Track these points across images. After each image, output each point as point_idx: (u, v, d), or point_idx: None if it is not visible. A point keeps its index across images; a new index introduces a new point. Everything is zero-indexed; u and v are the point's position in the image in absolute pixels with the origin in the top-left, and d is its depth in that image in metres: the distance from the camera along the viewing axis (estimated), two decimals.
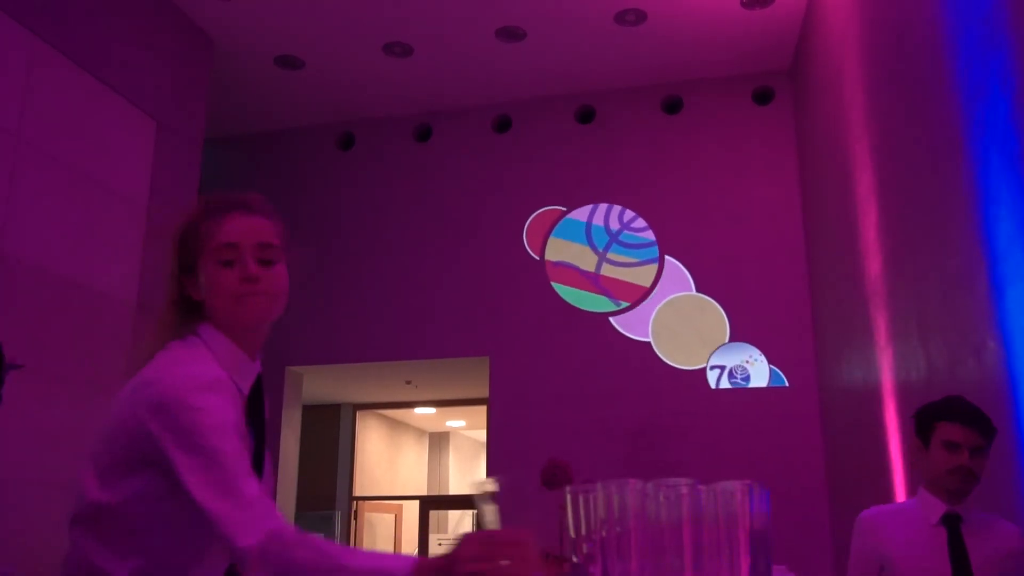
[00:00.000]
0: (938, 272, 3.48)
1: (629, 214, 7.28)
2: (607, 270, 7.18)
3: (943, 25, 3.32)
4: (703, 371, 6.80)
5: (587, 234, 7.28)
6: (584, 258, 7.24)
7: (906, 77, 3.87)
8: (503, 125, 7.76)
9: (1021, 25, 2.61)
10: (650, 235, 7.20)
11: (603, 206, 7.33)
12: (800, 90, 6.89)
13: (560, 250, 7.29)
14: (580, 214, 7.34)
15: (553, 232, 7.33)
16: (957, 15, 3.17)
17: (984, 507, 3.02)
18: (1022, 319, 2.64)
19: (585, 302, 7.17)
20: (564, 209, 7.38)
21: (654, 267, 7.14)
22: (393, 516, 11.09)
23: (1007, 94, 2.68)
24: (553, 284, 7.25)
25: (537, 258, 7.33)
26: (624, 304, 7.10)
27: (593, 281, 7.20)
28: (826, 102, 5.79)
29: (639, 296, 7.10)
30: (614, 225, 7.27)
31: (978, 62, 2.94)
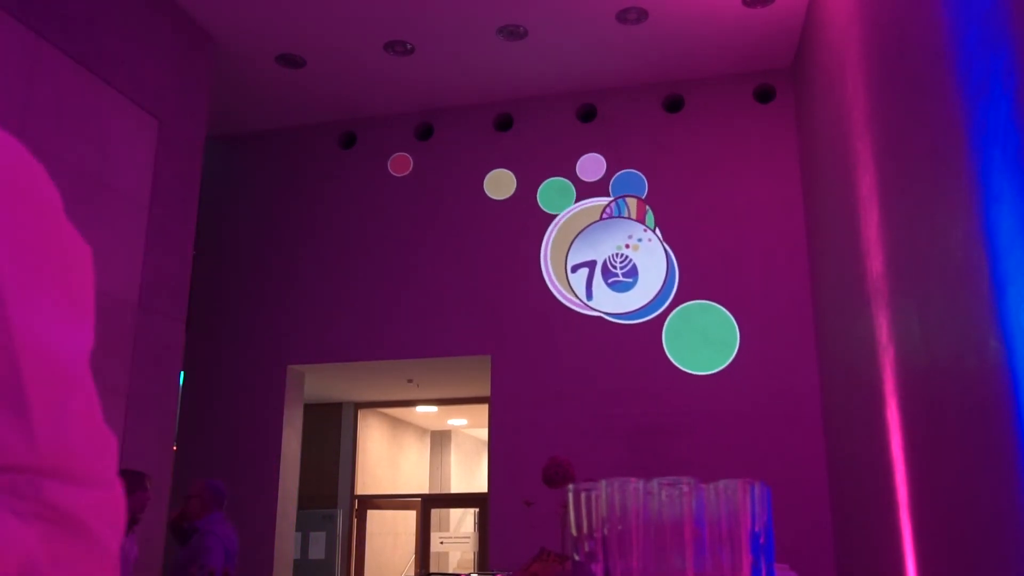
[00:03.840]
0: (940, 270, 3.49)
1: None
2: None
3: (944, 24, 3.32)
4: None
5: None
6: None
7: (907, 75, 3.87)
8: (505, 123, 7.76)
9: (1021, 24, 2.61)
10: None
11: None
12: (801, 88, 6.89)
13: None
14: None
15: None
16: (958, 14, 3.17)
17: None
18: None
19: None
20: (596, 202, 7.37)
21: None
22: (414, 513, 11.02)
23: (1008, 92, 2.68)
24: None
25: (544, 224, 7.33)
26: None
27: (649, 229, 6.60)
28: (827, 100, 5.79)
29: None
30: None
31: (979, 61, 2.94)
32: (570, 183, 7.27)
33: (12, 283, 0.65)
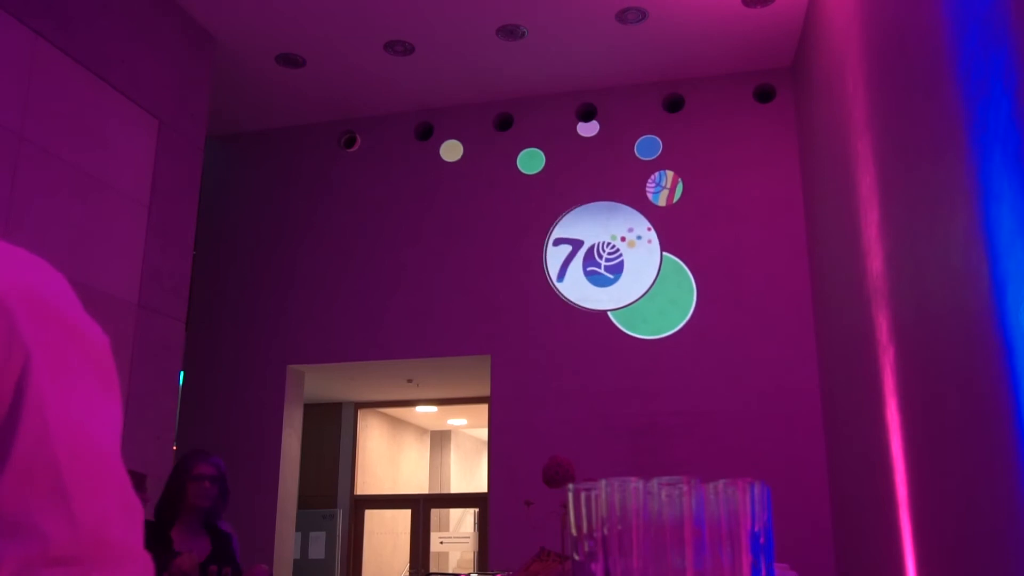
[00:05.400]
0: (940, 270, 3.48)
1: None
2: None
3: (944, 23, 3.32)
4: (703, 368, 6.78)
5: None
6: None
7: (907, 74, 3.87)
8: (505, 123, 7.76)
9: (1021, 24, 2.61)
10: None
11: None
12: (801, 88, 6.89)
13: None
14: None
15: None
16: (958, 13, 3.16)
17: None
18: None
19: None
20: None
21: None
22: (409, 512, 10.98)
23: (1008, 91, 2.67)
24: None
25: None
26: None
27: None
28: (828, 100, 5.79)
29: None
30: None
31: (979, 60, 2.93)
32: (540, 152, 7.43)
33: (47, 387, 0.73)
